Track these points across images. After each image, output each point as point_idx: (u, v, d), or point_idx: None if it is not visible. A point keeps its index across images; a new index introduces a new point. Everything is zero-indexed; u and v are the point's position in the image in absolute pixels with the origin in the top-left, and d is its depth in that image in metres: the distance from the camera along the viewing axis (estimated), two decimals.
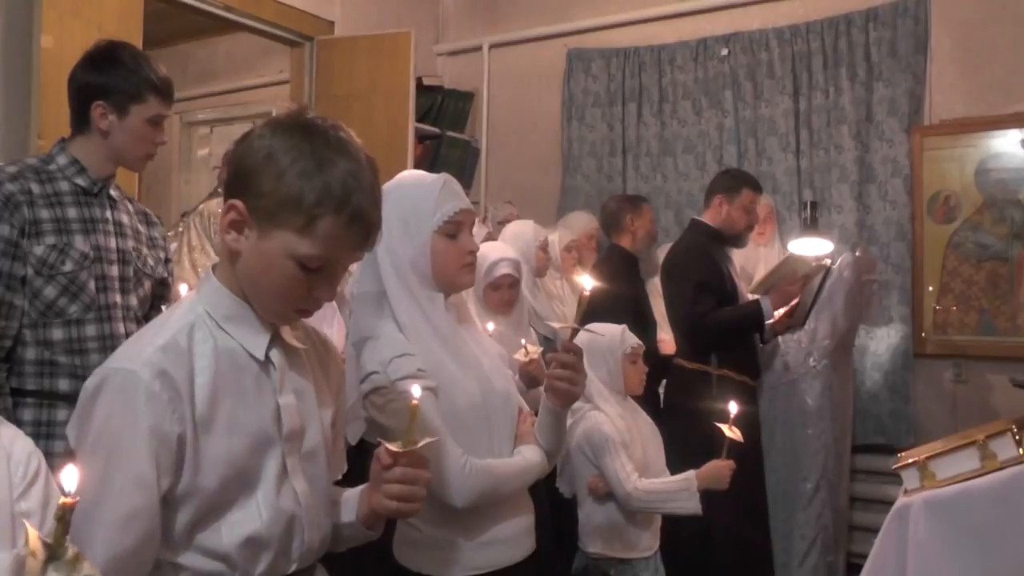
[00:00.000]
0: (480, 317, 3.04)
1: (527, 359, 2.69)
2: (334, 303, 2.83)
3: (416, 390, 1.39)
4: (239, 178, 1.30)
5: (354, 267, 3.04)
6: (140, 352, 1.26)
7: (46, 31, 3.42)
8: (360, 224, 1.28)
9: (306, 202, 1.24)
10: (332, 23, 5.15)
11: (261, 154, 1.27)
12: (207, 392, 1.27)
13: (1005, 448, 1.99)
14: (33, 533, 0.90)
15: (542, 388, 1.87)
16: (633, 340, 2.86)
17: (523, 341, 2.77)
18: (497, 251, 3.15)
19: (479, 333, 2.02)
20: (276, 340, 1.37)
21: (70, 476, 0.91)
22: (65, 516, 0.89)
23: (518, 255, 3.20)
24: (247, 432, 1.30)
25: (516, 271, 3.10)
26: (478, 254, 3.15)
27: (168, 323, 1.33)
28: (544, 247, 3.86)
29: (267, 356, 1.35)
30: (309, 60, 5.10)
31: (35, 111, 3.39)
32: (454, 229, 1.87)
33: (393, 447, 1.35)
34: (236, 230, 1.30)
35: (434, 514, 1.81)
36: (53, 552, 0.89)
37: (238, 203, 1.29)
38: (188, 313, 1.34)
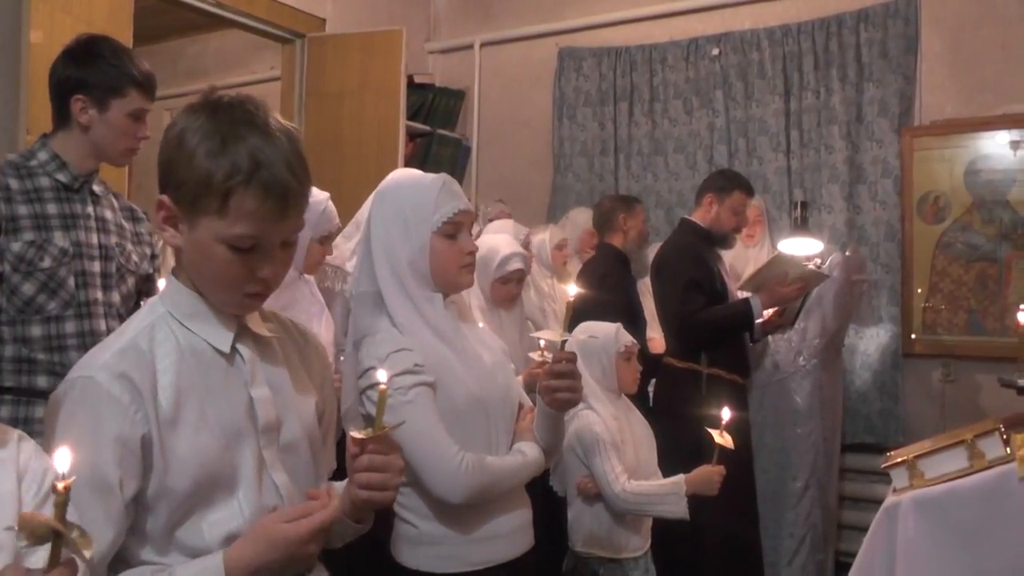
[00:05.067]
0: (484, 311, 3.04)
1: (540, 359, 2.68)
2: (322, 300, 2.83)
3: (382, 375, 1.38)
4: (161, 172, 1.29)
5: (349, 266, 3.06)
6: (99, 358, 1.26)
7: (35, 26, 3.40)
8: (275, 194, 1.24)
9: (216, 180, 1.22)
10: (323, 20, 5.13)
11: (173, 142, 1.26)
12: (171, 391, 1.26)
13: (993, 447, 2.00)
14: (38, 516, 0.90)
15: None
16: (627, 338, 2.85)
17: (542, 342, 2.76)
18: (508, 246, 3.17)
19: (480, 329, 2.02)
20: (244, 332, 1.36)
21: (63, 458, 0.91)
22: (64, 499, 0.89)
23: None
24: (217, 428, 1.28)
25: (527, 265, 3.12)
26: (487, 248, 3.19)
27: (127, 328, 1.33)
28: (526, 245, 3.86)
29: (234, 349, 1.34)
30: (300, 57, 5.08)
31: (24, 107, 3.36)
32: (453, 230, 1.87)
33: (358, 434, 1.32)
34: (171, 226, 1.30)
35: (430, 510, 1.82)
36: (61, 532, 0.90)
37: (164, 198, 1.28)
38: (148, 315, 1.33)
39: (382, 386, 1.34)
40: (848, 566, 2.15)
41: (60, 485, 0.89)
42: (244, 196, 1.23)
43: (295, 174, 1.27)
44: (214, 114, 1.26)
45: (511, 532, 1.90)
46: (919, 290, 4.39)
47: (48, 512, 1.18)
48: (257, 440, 1.32)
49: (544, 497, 2.86)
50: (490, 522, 1.85)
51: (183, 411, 1.26)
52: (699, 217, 3.83)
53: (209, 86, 1.36)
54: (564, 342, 1.79)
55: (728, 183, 3.81)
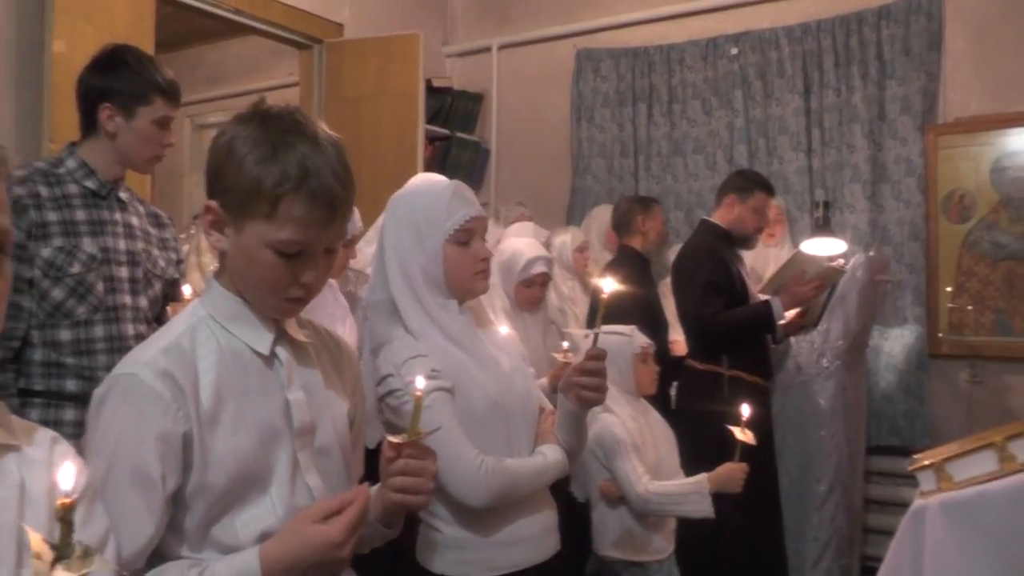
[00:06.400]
0: (509, 314, 3.04)
1: (564, 360, 2.66)
2: (346, 304, 2.83)
3: (420, 382, 1.39)
4: (210, 178, 1.32)
5: (370, 269, 3.06)
6: (142, 356, 1.29)
7: (57, 36, 3.42)
8: (323, 201, 1.27)
9: (265, 187, 1.25)
10: (341, 25, 5.14)
11: (223, 150, 1.30)
12: (212, 391, 1.29)
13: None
14: (35, 536, 0.90)
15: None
16: (643, 340, 2.85)
17: (565, 343, 2.75)
18: (532, 249, 3.17)
19: (498, 334, 2.02)
20: (282, 336, 1.39)
21: (66, 475, 0.92)
22: (66, 516, 0.89)
23: None
24: (254, 429, 1.31)
25: (551, 269, 3.12)
26: (511, 251, 3.19)
27: (171, 327, 1.36)
28: (545, 248, 3.87)
29: (273, 352, 1.36)
30: (318, 62, 5.09)
31: (47, 115, 3.39)
32: (466, 236, 1.87)
33: (395, 439, 1.36)
34: (217, 230, 1.33)
35: (454, 515, 1.82)
36: (60, 552, 0.89)
37: (212, 203, 1.31)
38: (190, 317, 1.36)
39: (418, 393, 1.36)
40: (874, 571, 2.12)
41: (59, 503, 0.89)
42: (293, 203, 1.26)
43: (342, 183, 1.30)
44: (264, 123, 1.29)
45: (536, 535, 1.89)
46: (948, 289, 4.33)
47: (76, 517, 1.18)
48: (292, 442, 1.35)
49: (566, 502, 2.85)
50: (514, 526, 1.85)
51: (222, 410, 1.29)
52: (720, 218, 3.81)
53: (259, 97, 1.39)
54: (596, 337, 1.78)
55: (749, 183, 3.79)
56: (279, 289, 1.32)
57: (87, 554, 0.91)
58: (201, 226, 4.58)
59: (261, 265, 1.30)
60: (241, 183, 1.26)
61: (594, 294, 4.02)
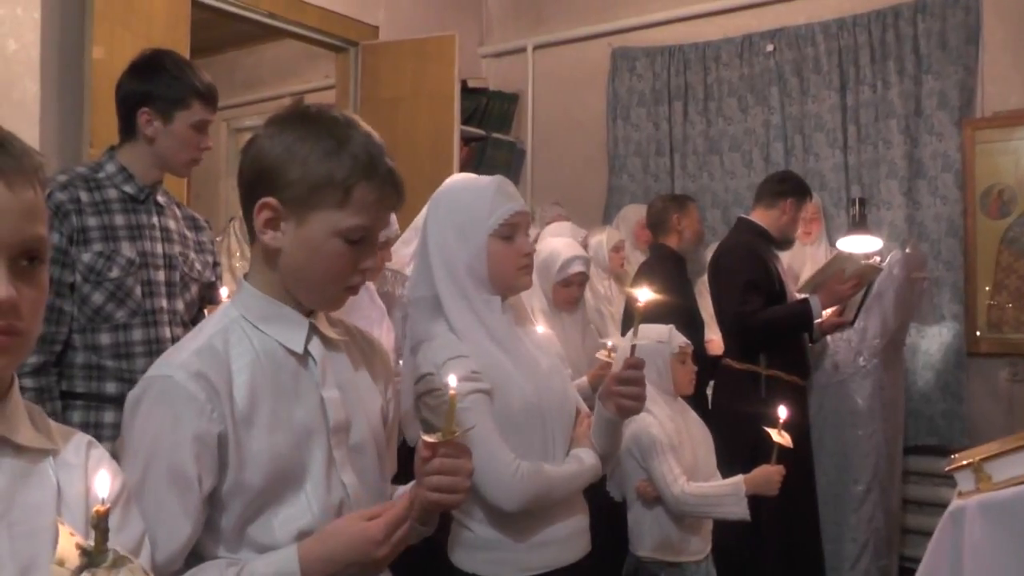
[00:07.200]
0: (547, 315, 3.05)
1: (607, 359, 2.65)
2: (383, 306, 2.85)
3: (453, 380, 1.40)
4: (261, 179, 1.33)
5: (409, 270, 3.09)
6: (176, 358, 1.30)
7: (97, 42, 3.48)
8: (391, 183, 1.34)
9: (338, 177, 1.29)
10: (376, 28, 5.17)
11: (277, 150, 1.31)
12: (246, 391, 1.30)
13: None
14: (67, 539, 0.91)
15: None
16: (681, 339, 2.84)
17: (609, 343, 2.74)
18: (570, 249, 3.17)
19: (537, 334, 2.02)
20: (315, 335, 1.40)
21: (103, 483, 0.93)
22: (100, 524, 0.90)
23: None
24: (290, 428, 1.32)
25: (588, 268, 3.12)
26: (549, 251, 3.20)
27: (203, 329, 1.38)
28: (583, 247, 3.87)
29: (306, 350, 1.38)
30: (354, 65, 5.12)
31: (87, 120, 3.45)
32: (509, 231, 1.87)
33: (430, 438, 1.36)
34: (272, 228, 1.34)
35: (487, 515, 1.82)
36: (92, 559, 0.90)
37: (270, 200, 1.32)
38: (222, 318, 1.38)
39: (452, 391, 1.37)
40: (912, 571, 2.10)
41: (94, 510, 0.91)
42: (366, 189, 1.31)
43: (395, 165, 1.36)
44: (312, 120, 1.33)
45: (568, 537, 1.89)
46: (987, 288, 4.27)
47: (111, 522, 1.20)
48: (328, 440, 1.36)
49: (603, 502, 2.86)
50: (547, 528, 1.85)
51: (257, 411, 1.30)
52: (765, 219, 3.80)
53: (295, 99, 1.43)
54: (634, 347, 1.79)
55: (805, 190, 3.82)
56: (342, 278, 1.36)
57: (116, 564, 0.91)
58: (236, 231, 4.64)
59: (327, 255, 1.33)
60: (309, 177, 1.30)
61: (628, 303, 4.02)
